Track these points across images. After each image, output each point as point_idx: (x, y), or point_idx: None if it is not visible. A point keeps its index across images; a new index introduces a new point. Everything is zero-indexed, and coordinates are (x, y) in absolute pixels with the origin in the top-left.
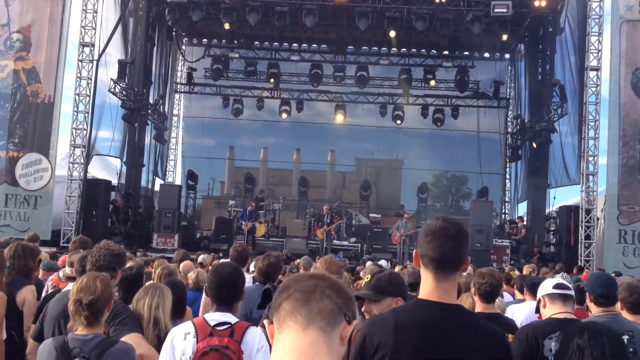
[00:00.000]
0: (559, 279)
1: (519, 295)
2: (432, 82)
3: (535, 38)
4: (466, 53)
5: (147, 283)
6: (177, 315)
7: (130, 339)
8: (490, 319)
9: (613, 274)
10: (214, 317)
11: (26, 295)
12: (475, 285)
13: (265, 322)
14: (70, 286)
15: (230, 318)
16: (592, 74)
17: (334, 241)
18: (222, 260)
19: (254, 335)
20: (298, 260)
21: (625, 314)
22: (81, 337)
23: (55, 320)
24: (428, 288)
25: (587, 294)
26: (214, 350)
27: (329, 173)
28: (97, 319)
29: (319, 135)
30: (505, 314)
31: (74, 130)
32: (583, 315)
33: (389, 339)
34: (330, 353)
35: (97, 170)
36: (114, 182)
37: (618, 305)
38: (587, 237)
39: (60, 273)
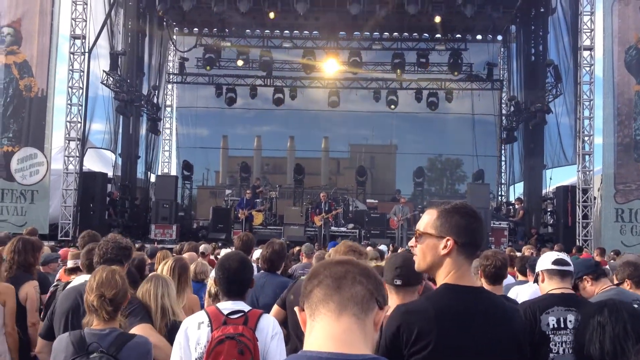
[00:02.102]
0: (559, 254)
1: (520, 277)
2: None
3: (527, 19)
4: (458, 36)
5: (151, 274)
6: None
7: (141, 329)
8: None
9: (612, 253)
10: (227, 305)
11: (28, 290)
12: (480, 268)
13: (296, 309)
14: (76, 281)
15: (243, 306)
16: (586, 53)
17: (332, 228)
18: (225, 250)
19: (267, 322)
20: (298, 248)
21: (633, 291)
22: (98, 331)
23: (64, 316)
24: (458, 273)
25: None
26: (229, 338)
27: (323, 160)
28: (117, 313)
29: (312, 122)
30: (509, 295)
31: (68, 124)
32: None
33: (432, 327)
34: (365, 340)
35: (92, 163)
36: (110, 174)
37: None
38: (585, 216)
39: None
